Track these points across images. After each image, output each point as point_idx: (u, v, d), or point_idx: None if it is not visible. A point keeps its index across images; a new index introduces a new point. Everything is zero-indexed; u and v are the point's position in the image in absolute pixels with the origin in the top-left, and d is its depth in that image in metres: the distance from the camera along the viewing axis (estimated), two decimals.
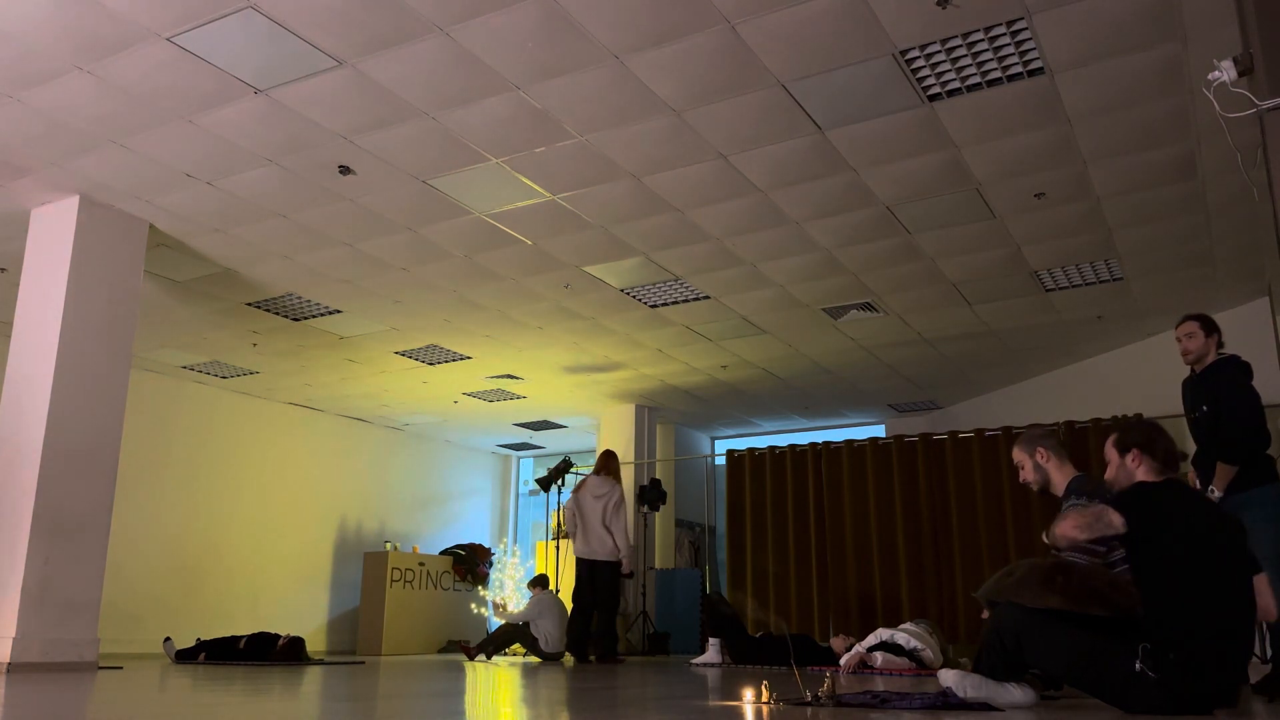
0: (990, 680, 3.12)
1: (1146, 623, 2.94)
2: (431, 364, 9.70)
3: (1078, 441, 8.34)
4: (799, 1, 4.20)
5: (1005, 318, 8.27)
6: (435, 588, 11.62)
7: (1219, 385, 4.49)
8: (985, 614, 3.67)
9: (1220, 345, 4.65)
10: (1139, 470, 3.12)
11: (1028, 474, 4.07)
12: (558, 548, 10.59)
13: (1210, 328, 4.61)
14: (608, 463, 8.53)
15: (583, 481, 8.45)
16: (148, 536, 9.59)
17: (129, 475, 8.75)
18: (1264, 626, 6.36)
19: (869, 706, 3.19)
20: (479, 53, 4.58)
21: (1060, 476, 4.01)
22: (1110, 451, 3.22)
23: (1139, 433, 3.18)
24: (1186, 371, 4.65)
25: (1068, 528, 2.98)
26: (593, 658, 8.11)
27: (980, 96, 4.94)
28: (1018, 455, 4.12)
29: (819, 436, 9.97)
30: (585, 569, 8.18)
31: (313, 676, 5.33)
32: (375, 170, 5.75)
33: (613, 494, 8.27)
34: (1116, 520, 2.90)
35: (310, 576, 11.31)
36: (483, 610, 12.01)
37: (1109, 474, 3.22)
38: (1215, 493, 4.36)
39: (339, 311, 8.15)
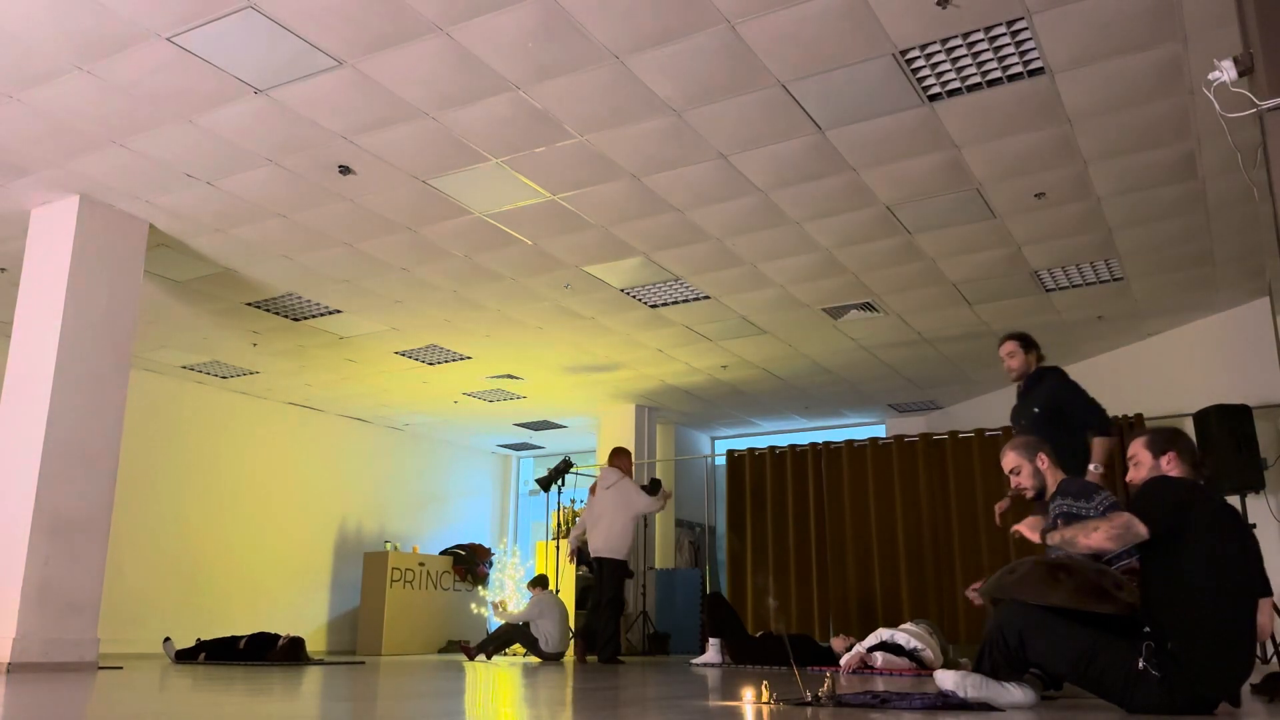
0: (991, 680, 3.12)
1: (1150, 620, 2.93)
2: (431, 364, 9.71)
3: None
4: (799, 1, 4.21)
5: (1005, 318, 8.27)
6: (435, 588, 11.62)
7: (1050, 385, 5.09)
8: (973, 590, 3.71)
9: (1040, 359, 5.21)
10: (1173, 473, 3.12)
11: (1024, 480, 4.05)
12: (558, 548, 10.58)
13: (1029, 345, 5.18)
14: (615, 457, 8.50)
15: (594, 484, 8.42)
16: (148, 536, 9.59)
17: (129, 475, 8.74)
18: None
19: (869, 707, 3.19)
20: (479, 53, 4.58)
21: (1053, 481, 4.03)
22: (1143, 454, 3.20)
23: (1173, 437, 3.19)
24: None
25: (1100, 539, 2.95)
26: (592, 658, 8.09)
27: (980, 96, 4.94)
28: (1014, 460, 4.08)
29: (819, 436, 9.97)
30: (597, 566, 8.10)
31: (313, 677, 5.33)
32: (375, 170, 5.75)
33: (622, 480, 8.21)
34: (1143, 530, 2.89)
35: (310, 576, 11.31)
36: (483, 610, 12.01)
37: (1139, 476, 3.18)
38: (1099, 469, 4.81)
39: (339, 311, 8.15)
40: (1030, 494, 4.09)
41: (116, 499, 6.35)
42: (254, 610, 10.38)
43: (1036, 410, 5.05)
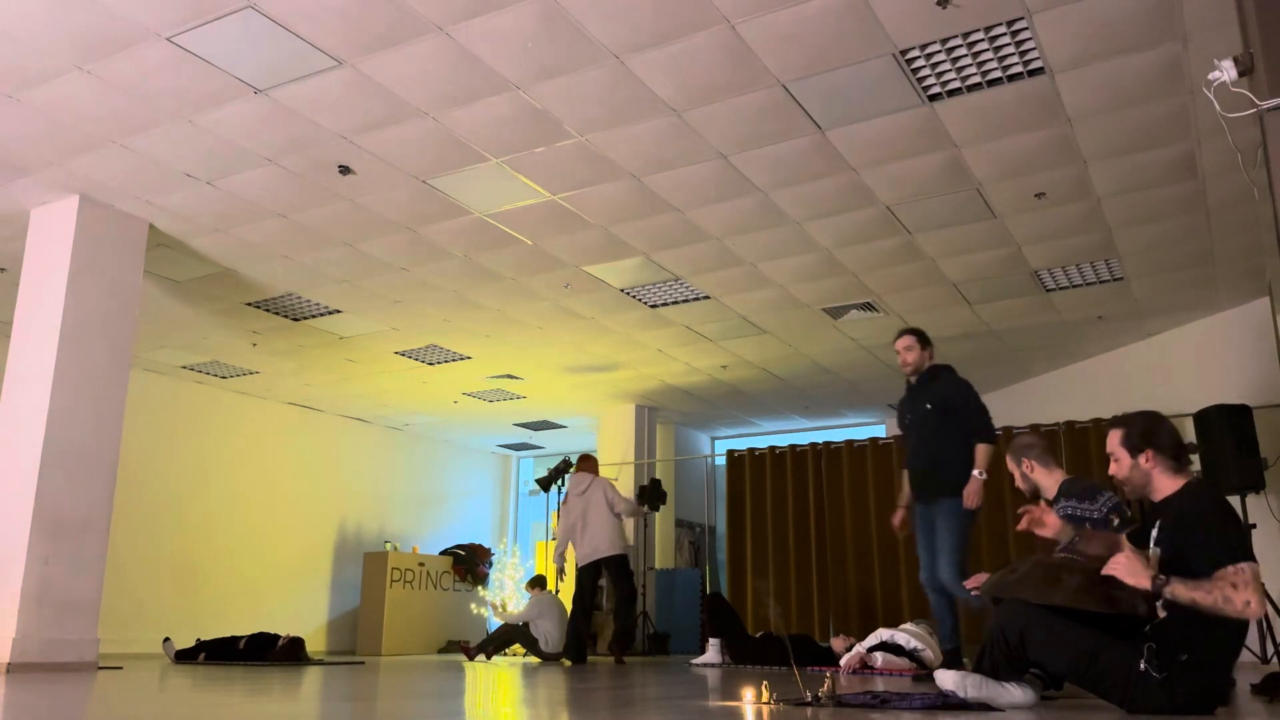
0: (991, 680, 3.11)
1: (1158, 623, 2.91)
2: (431, 364, 9.71)
3: (1078, 441, 8.34)
4: (799, 1, 4.21)
5: (1005, 318, 8.27)
6: (435, 588, 11.62)
7: (947, 386, 5.17)
8: (974, 582, 3.70)
9: (932, 357, 5.35)
10: (1154, 471, 3.06)
11: (1018, 481, 4.29)
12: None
13: (925, 341, 5.33)
14: (583, 463, 8.34)
15: (566, 494, 8.23)
16: (147, 536, 9.59)
17: (129, 475, 8.74)
18: (1263, 625, 6.40)
19: (869, 707, 3.19)
20: (479, 53, 4.58)
21: (1049, 481, 4.12)
22: (1119, 450, 3.10)
23: (1147, 429, 3.07)
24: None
25: (1255, 608, 2.74)
26: (593, 658, 8.05)
27: (980, 96, 4.94)
28: (1009, 463, 4.30)
29: (819, 436, 9.97)
30: (592, 571, 7.86)
31: (313, 677, 5.33)
32: (375, 170, 5.75)
33: (597, 483, 8.01)
34: (1259, 570, 2.81)
35: (310, 576, 11.31)
36: (482, 610, 12.01)
37: (1120, 473, 3.09)
38: (983, 475, 4.94)
39: (339, 311, 8.15)
40: (1027, 494, 4.18)
41: (116, 499, 6.35)
42: (254, 610, 10.38)
43: (929, 406, 5.14)
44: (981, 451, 5.00)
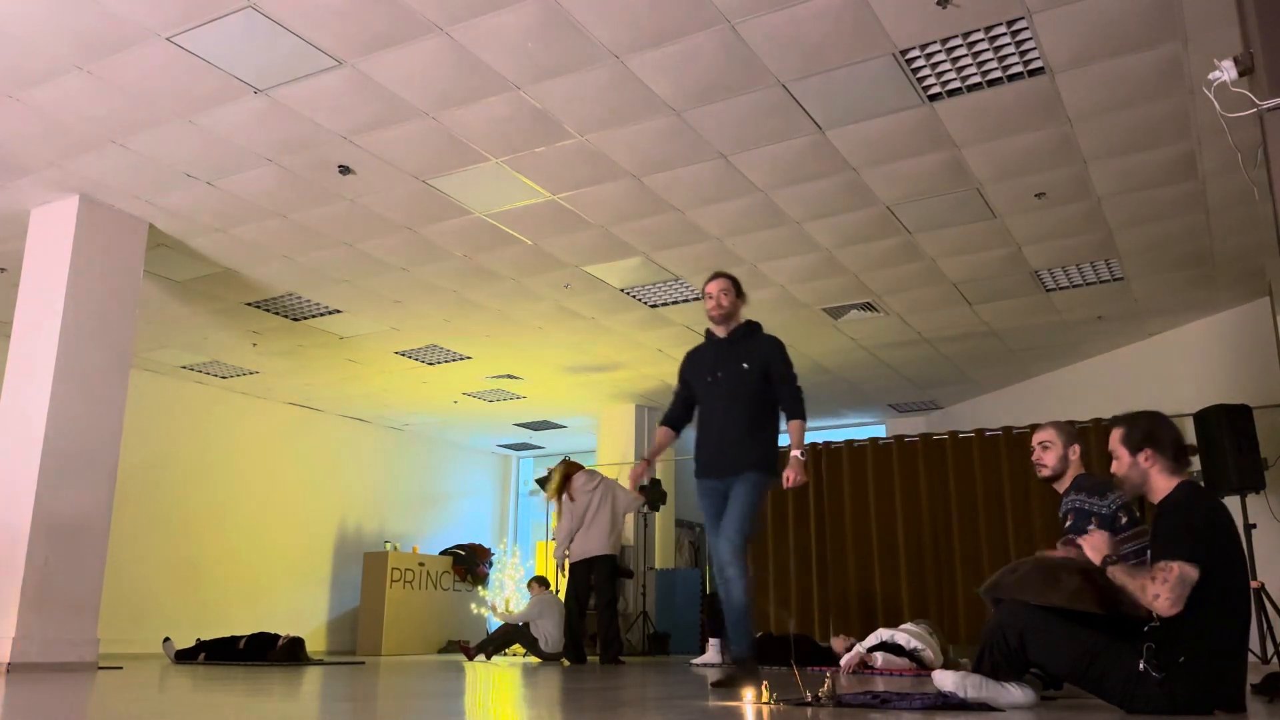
0: (991, 680, 3.11)
1: (1159, 626, 2.91)
2: (431, 364, 9.71)
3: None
4: (799, 1, 4.21)
5: (1005, 318, 8.27)
6: (435, 588, 11.62)
7: (768, 346, 4.66)
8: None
9: (741, 307, 4.80)
10: (1153, 470, 3.06)
11: (1049, 458, 4.05)
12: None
13: (740, 291, 4.77)
14: (581, 467, 8.38)
15: (570, 484, 8.19)
16: (148, 536, 9.59)
17: (129, 475, 8.74)
18: (1264, 625, 6.40)
19: (869, 707, 3.19)
20: (479, 53, 4.58)
21: (1071, 475, 4.08)
22: (1119, 448, 3.11)
23: (1149, 429, 3.08)
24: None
25: (1164, 606, 2.78)
26: (593, 657, 8.06)
27: (980, 96, 4.94)
28: (1049, 435, 4.08)
29: (819, 436, 9.96)
30: (584, 568, 7.94)
31: (313, 677, 5.33)
32: (375, 170, 5.75)
33: (606, 483, 8.13)
34: (1193, 574, 2.79)
35: (310, 576, 11.31)
36: (482, 610, 12.01)
37: (1119, 470, 3.11)
38: (803, 456, 4.48)
39: (339, 311, 8.15)
40: (1044, 474, 4.08)
41: (116, 499, 6.35)
42: (254, 610, 10.38)
43: (745, 367, 4.65)
44: (799, 429, 4.55)
